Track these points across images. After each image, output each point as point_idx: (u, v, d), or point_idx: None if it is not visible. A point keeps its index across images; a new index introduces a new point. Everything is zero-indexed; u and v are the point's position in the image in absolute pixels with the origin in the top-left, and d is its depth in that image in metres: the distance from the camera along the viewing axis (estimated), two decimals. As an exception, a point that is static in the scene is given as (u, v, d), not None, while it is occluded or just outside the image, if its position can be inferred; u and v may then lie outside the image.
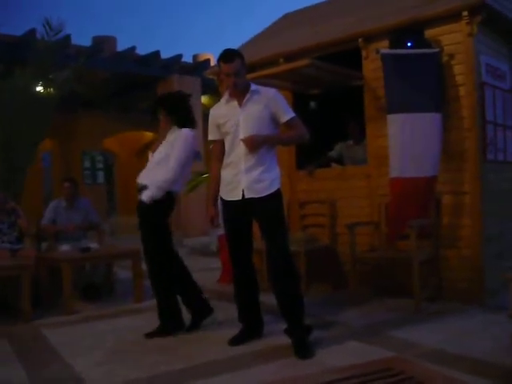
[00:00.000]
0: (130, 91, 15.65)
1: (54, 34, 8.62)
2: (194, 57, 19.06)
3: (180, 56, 15.01)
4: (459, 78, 5.10)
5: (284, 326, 4.01)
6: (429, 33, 5.15)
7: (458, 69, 5.10)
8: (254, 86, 4.03)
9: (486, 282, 5.01)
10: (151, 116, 4.78)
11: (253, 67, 5.70)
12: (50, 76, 8.74)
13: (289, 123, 4.01)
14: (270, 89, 4.14)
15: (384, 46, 5.31)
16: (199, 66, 15.48)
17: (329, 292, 5.78)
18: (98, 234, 6.87)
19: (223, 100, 4.13)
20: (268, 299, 4.43)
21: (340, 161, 6.55)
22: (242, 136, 3.93)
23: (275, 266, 3.99)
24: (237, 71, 3.88)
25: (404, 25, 5.22)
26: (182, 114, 4.61)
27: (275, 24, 8.01)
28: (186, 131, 4.52)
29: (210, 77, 7.41)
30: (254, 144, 3.90)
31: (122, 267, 7.10)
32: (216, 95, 9.79)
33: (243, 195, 3.96)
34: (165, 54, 14.54)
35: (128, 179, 21.04)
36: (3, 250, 5.77)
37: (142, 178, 4.53)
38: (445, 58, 5.13)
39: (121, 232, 14.64)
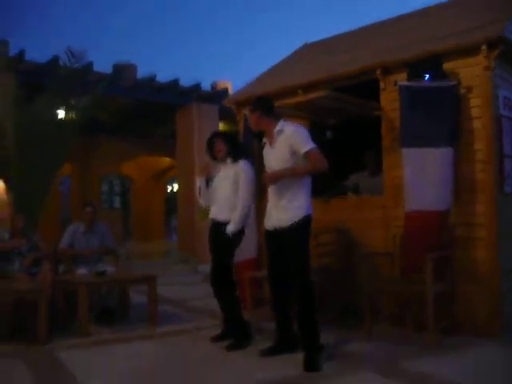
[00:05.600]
0: (148, 117, 15.85)
1: (75, 61, 8.82)
2: (212, 85, 19.31)
3: (198, 85, 15.27)
4: (476, 111, 5.12)
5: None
6: (446, 65, 5.18)
7: (474, 102, 5.13)
8: (280, 126, 4.48)
9: (503, 316, 4.96)
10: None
11: (273, 96, 5.73)
12: (72, 102, 8.94)
13: (306, 155, 4.32)
14: (291, 126, 4.52)
15: (402, 78, 5.35)
16: (217, 94, 15.67)
17: (342, 321, 5.74)
18: (114, 259, 6.92)
19: (265, 141, 4.68)
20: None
21: (356, 190, 6.55)
22: None
23: (294, 292, 4.40)
24: (250, 114, 4.66)
25: (422, 57, 5.27)
26: (238, 147, 5.18)
27: (295, 53, 8.12)
28: (245, 165, 5.01)
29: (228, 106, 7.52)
30: (269, 181, 4.44)
31: (136, 292, 7.13)
32: (233, 122, 9.88)
33: (274, 225, 4.49)
34: (183, 81, 14.81)
35: (144, 204, 21.18)
36: (22, 274, 5.83)
37: (218, 214, 5.05)
38: (462, 91, 5.16)
39: (135, 257, 14.68)
